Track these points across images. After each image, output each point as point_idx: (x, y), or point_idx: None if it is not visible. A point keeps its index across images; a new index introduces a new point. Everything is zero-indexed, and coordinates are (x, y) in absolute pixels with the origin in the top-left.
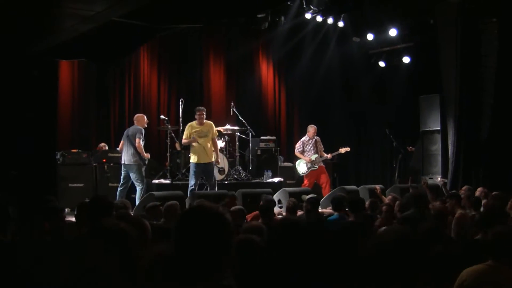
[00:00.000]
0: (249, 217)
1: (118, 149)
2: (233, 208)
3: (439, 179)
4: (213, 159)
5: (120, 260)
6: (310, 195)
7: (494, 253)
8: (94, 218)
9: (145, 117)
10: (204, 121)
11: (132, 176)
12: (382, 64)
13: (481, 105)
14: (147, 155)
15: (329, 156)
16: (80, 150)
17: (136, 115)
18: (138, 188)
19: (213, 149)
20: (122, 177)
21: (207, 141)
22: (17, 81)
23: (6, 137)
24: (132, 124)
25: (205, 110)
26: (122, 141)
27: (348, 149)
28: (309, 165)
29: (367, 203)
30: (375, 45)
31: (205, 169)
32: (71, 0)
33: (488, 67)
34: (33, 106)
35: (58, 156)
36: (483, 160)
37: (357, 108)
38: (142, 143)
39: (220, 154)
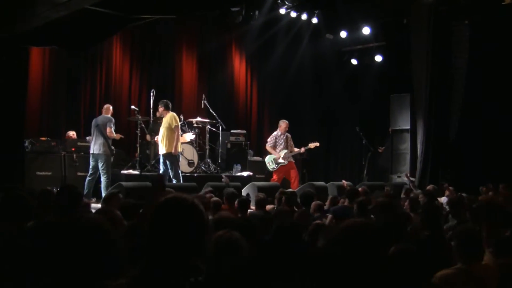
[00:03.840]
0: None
1: (88, 138)
2: (213, 199)
3: (405, 176)
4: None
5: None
6: (289, 190)
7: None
8: (62, 207)
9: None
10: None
11: (100, 166)
12: (354, 62)
13: (450, 105)
14: (118, 136)
15: (301, 150)
16: (49, 138)
17: (105, 105)
18: (103, 178)
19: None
20: (90, 167)
21: None
22: None
23: None
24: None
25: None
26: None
27: (317, 144)
28: (278, 160)
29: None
30: (348, 43)
31: None
32: None
33: (458, 68)
34: (2, 92)
35: (26, 144)
36: (451, 160)
37: (328, 105)
38: (114, 132)
39: (189, 147)
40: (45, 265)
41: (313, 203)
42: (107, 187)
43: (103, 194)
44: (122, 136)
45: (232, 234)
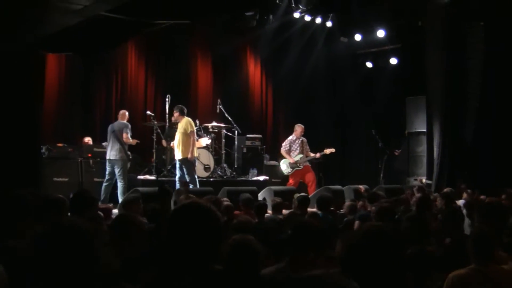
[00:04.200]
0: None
1: (104, 144)
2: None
3: (423, 180)
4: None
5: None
6: (301, 194)
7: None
8: (77, 212)
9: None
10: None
11: (117, 171)
12: (369, 65)
13: (466, 107)
14: (135, 141)
15: (317, 155)
16: (65, 145)
17: (121, 111)
18: (119, 184)
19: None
20: (107, 172)
21: None
22: (3, 74)
23: None
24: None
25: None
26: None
27: (333, 150)
28: (294, 165)
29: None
30: (362, 46)
31: None
32: None
33: (474, 70)
34: (19, 98)
35: (43, 150)
36: (468, 162)
37: (343, 108)
38: (130, 138)
39: (205, 151)
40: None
41: (346, 203)
42: (123, 192)
43: (120, 200)
44: (138, 141)
45: (247, 238)
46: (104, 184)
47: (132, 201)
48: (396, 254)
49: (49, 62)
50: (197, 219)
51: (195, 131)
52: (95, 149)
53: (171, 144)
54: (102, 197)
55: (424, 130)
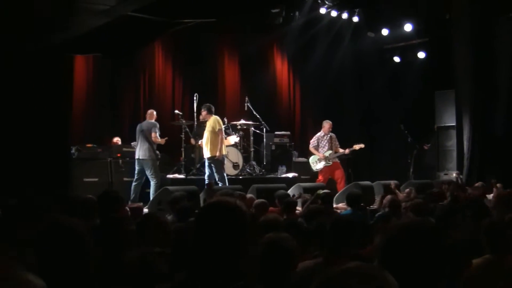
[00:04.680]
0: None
1: (133, 144)
2: (256, 201)
3: (454, 174)
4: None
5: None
6: (324, 191)
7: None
8: (104, 212)
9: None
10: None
11: (147, 171)
12: (396, 59)
13: (496, 100)
14: (163, 140)
15: (346, 151)
16: (94, 145)
17: (149, 111)
18: (152, 183)
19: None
20: (136, 172)
21: None
22: (33, 75)
23: (21, 132)
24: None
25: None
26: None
27: (362, 145)
28: (323, 161)
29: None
30: (389, 40)
31: None
32: None
33: (503, 62)
34: (48, 100)
35: (73, 151)
36: (498, 156)
37: (371, 103)
38: (159, 137)
39: (234, 149)
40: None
41: (387, 198)
42: (156, 191)
43: (152, 198)
44: (166, 138)
45: (280, 236)
46: (134, 183)
47: (179, 198)
48: (436, 249)
49: (77, 64)
50: (223, 217)
51: (223, 129)
52: (124, 149)
53: (200, 143)
54: (132, 196)
55: (454, 124)
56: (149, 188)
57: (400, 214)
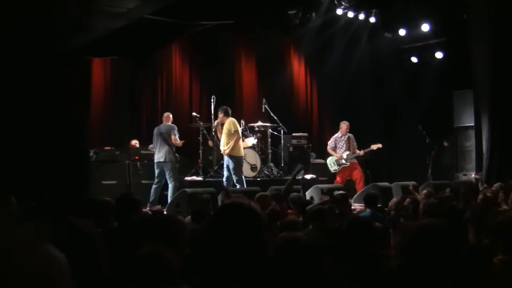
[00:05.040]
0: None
1: (150, 146)
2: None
3: (473, 175)
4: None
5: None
6: (340, 192)
7: None
8: (122, 215)
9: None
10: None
11: (167, 173)
12: (414, 59)
13: None
14: (181, 142)
15: (361, 152)
16: (112, 148)
17: (165, 113)
18: (171, 186)
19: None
20: (156, 175)
21: None
22: (50, 79)
23: (38, 135)
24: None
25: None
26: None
27: (379, 146)
28: (340, 162)
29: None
30: (407, 41)
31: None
32: None
33: None
34: (66, 103)
35: (91, 154)
36: None
37: (388, 104)
38: (178, 139)
39: (252, 151)
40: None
41: (392, 201)
42: (174, 193)
43: (169, 200)
44: (183, 141)
45: (296, 235)
46: (154, 186)
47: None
48: (453, 249)
49: (95, 66)
50: (238, 219)
51: (239, 130)
52: (142, 152)
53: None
54: (151, 198)
55: (472, 124)
56: (167, 191)
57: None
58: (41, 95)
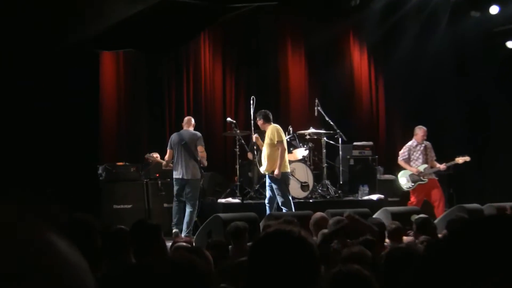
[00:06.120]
0: None
1: (165, 159)
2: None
3: None
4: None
5: None
6: (420, 216)
7: None
8: (141, 246)
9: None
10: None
11: (188, 190)
12: (510, 45)
13: None
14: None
15: (442, 166)
16: (127, 163)
17: (186, 117)
18: (189, 210)
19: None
20: (175, 193)
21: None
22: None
23: (38, 146)
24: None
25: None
26: (169, 150)
27: (467, 158)
28: (416, 177)
29: None
30: (500, 21)
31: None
32: None
33: None
34: (71, 109)
35: (100, 171)
36: None
37: (478, 104)
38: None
39: (302, 165)
40: None
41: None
42: (191, 220)
43: (185, 226)
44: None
45: (355, 268)
46: (175, 204)
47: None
48: None
49: (105, 62)
50: (283, 250)
51: (284, 140)
52: (164, 168)
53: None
54: (174, 219)
55: None
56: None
57: None
58: (43, 98)
